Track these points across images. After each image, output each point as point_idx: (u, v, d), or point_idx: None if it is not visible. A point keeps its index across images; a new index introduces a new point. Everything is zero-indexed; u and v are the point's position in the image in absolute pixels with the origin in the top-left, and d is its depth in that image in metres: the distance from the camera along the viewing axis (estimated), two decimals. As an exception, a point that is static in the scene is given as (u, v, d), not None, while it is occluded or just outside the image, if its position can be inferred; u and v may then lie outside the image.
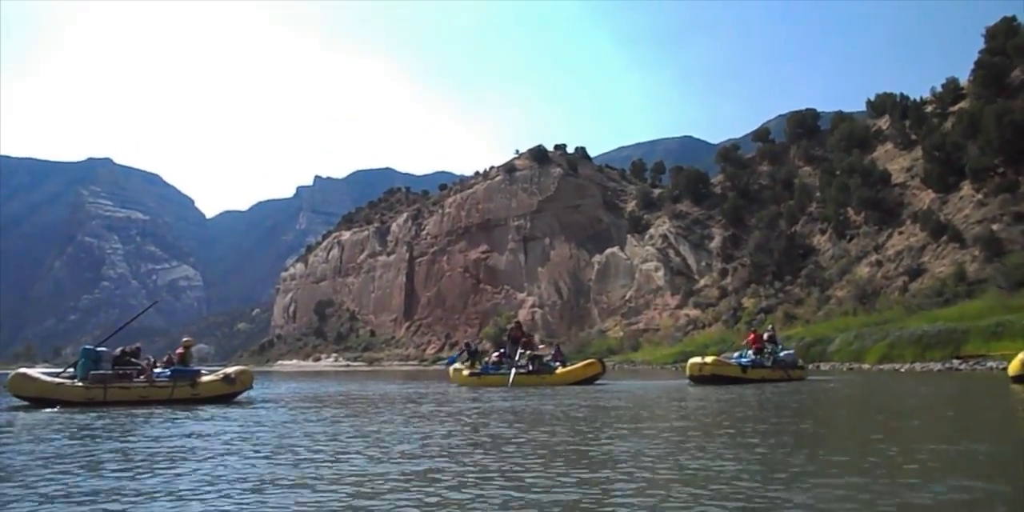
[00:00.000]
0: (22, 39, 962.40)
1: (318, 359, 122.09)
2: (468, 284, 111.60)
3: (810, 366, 30.39)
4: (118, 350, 17.24)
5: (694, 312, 66.15)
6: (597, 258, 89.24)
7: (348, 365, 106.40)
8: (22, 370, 17.40)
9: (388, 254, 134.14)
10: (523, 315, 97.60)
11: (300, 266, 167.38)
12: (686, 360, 45.42)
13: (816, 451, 7.32)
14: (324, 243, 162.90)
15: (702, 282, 70.79)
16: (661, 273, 76.36)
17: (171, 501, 5.26)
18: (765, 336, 26.02)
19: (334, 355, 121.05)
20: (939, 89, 64.29)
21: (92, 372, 16.36)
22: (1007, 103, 48.16)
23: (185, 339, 18.97)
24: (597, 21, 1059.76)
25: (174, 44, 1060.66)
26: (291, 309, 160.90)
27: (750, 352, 25.23)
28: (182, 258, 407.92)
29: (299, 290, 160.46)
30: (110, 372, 16.52)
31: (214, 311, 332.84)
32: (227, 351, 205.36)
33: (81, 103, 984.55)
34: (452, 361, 28.54)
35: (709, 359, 24.82)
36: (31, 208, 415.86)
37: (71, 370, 16.98)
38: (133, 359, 17.31)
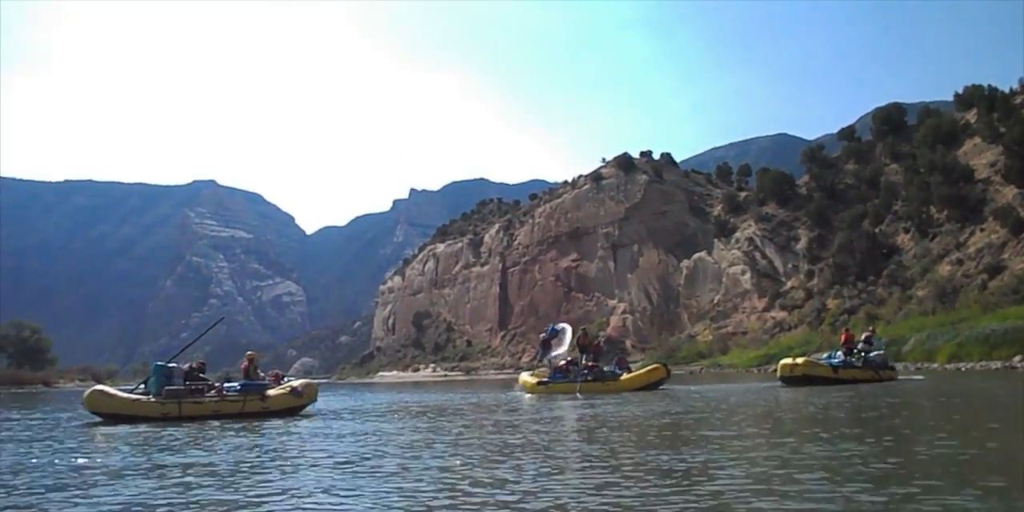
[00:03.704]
0: (132, 71, 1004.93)
1: (417, 370, 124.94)
2: (560, 292, 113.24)
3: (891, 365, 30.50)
4: (186, 366, 17.78)
5: (781, 314, 66.39)
6: (685, 263, 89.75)
7: (446, 375, 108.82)
8: (99, 387, 18.14)
9: (482, 265, 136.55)
10: (614, 321, 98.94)
11: (398, 279, 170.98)
12: (771, 362, 46.29)
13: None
14: (420, 255, 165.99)
15: (788, 284, 70.86)
16: (748, 276, 76.58)
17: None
18: (863, 337, 26.50)
19: (432, 365, 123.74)
20: (1029, 80, 63.49)
21: (166, 388, 16.74)
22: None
23: (248, 353, 19.47)
24: (683, 23, 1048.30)
25: (270, 68, 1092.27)
26: (390, 321, 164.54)
27: (839, 353, 25.73)
28: (285, 274, 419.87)
29: (397, 302, 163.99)
30: (183, 388, 16.96)
31: (317, 325, 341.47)
32: (330, 364, 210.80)
33: (186, 128, 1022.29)
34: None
35: (800, 360, 25.24)
36: (143, 231, 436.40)
37: (142, 387, 17.41)
38: (201, 374, 17.90)
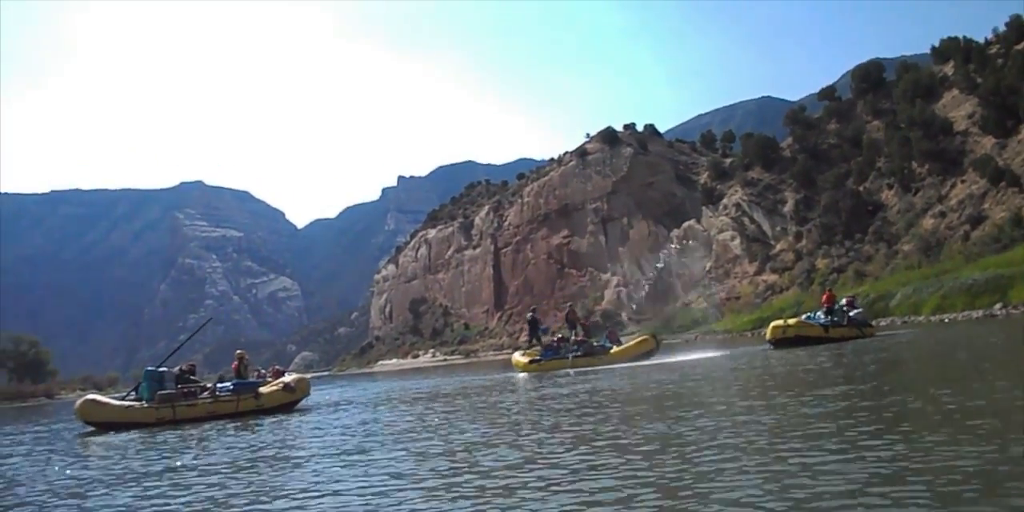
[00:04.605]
0: (111, 76, 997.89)
1: (416, 356, 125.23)
2: (553, 269, 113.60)
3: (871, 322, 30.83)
4: (176, 369, 17.90)
5: (772, 277, 66.79)
6: (675, 233, 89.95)
7: (445, 359, 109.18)
8: (91, 396, 18.10)
9: (474, 247, 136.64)
10: (608, 295, 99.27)
11: (391, 267, 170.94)
12: (764, 326, 46.56)
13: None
14: (412, 242, 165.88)
15: (778, 247, 71.17)
16: (737, 241, 76.89)
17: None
18: (844, 301, 26.74)
19: (431, 351, 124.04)
20: (1002, 29, 63.40)
21: (159, 392, 16.74)
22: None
23: (238, 351, 19.57)
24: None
25: (250, 64, 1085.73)
26: (387, 310, 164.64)
27: (819, 313, 26.03)
28: (278, 270, 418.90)
29: (393, 290, 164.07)
30: (175, 391, 16.96)
31: (314, 319, 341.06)
32: (330, 357, 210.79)
33: (170, 130, 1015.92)
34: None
35: (792, 321, 25.40)
36: (134, 236, 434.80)
37: (133, 394, 17.51)
38: (191, 376, 18.02)
